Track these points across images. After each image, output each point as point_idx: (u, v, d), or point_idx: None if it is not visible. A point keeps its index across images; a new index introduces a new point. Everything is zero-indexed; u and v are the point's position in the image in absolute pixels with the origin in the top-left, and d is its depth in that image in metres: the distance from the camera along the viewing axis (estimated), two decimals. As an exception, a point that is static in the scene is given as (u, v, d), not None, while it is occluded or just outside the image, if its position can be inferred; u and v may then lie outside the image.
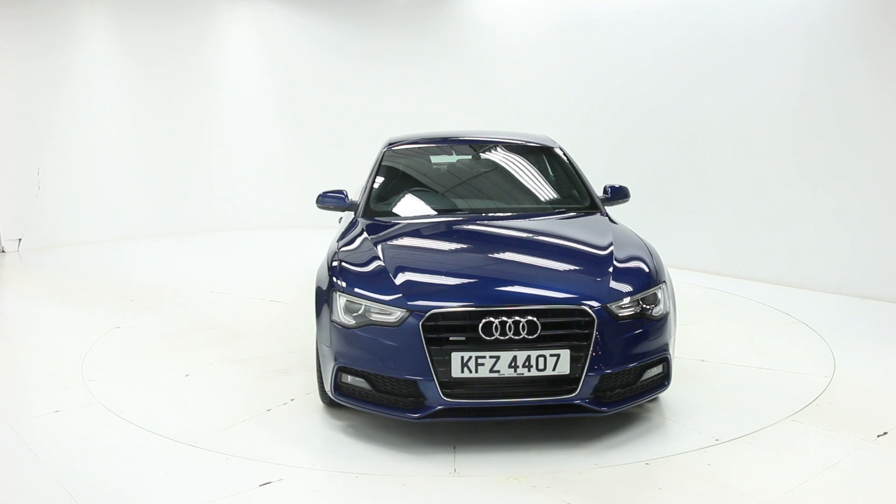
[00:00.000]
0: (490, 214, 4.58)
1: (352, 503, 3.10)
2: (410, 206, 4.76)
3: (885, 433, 3.70)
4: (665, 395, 4.19)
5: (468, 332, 3.34)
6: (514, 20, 9.38)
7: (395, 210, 4.71)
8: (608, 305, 3.46)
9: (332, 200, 4.86)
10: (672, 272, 7.36)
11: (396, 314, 3.42)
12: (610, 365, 3.43)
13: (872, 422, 3.83)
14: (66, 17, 9.16)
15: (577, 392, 3.40)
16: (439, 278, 3.68)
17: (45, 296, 6.76)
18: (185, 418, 3.94)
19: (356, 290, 3.61)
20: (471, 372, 3.32)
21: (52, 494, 3.15)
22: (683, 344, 5.16)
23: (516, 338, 3.32)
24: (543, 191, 5.02)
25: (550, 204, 4.84)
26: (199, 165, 10.45)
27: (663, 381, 3.74)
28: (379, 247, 3.97)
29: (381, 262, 3.77)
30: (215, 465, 3.42)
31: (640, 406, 4.03)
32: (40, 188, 9.08)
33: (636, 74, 8.03)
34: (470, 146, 5.42)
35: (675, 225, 7.81)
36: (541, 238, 4.22)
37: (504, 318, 3.33)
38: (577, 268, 3.85)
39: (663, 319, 3.66)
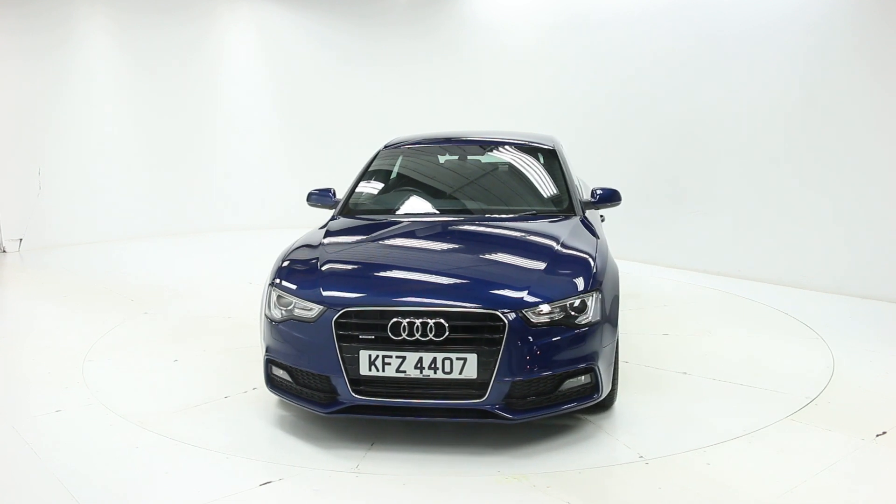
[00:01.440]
0: (455, 217, 4.56)
1: (352, 503, 3.10)
2: (384, 206, 4.89)
3: (884, 433, 3.70)
4: (663, 395, 4.20)
5: (377, 332, 3.39)
6: (513, 20, 9.38)
7: (369, 209, 4.83)
8: (523, 311, 3.38)
9: (318, 198, 5.02)
10: (672, 272, 7.42)
11: (315, 310, 3.51)
12: (522, 372, 3.35)
13: (871, 421, 3.83)
14: (66, 17, 9.16)
15: (485, 398, 3.36)
16: (362, 278, 3.78)
17: (45, 296, 6.77)
18: (186, 417, 3.94)
19: (284, 284, 3.76)
20: (378, 371, 3.37)
21: (52, 494, 3.16)
22: (684, 343, 5.17)
23: (423, 339, 3.34)
24: (523, 193, 4.93)
25: (528, 206, 4.72)
26: (200, 165, 10.46)
27: (591, 392, 3.56)
28: (324, 244, 4.11)
29: (317, 259, 3.89)
30: (215, 464, 3.42)
31: (638, 405, 4.04)
32: (41, 188, 9.09)
33: (636, 74, 8.03)
34: (462, 147, 5.40)
35: (676, 225, 7.82)
36: (487, 242, 4.20)
37: (412, 320, 3.35)
38: (505, 272, 3.76)
39: (590, 328, 3.50)
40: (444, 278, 3.69)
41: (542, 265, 3.70)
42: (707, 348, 5.05)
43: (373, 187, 5.05)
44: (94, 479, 3.30)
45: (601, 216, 5.41)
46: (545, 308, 3.42)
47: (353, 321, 3.43)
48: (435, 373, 3.34)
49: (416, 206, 4.87)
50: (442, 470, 3.36)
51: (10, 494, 3.18)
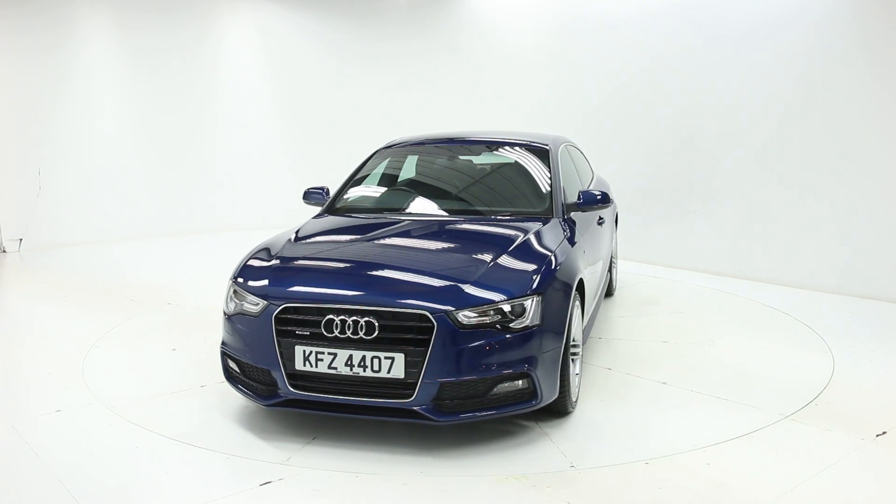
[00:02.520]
0: (428, 218, 4.54)
1: (352, 503, 3.10)
2: (365, 205, 4.95)
3: (884, 433, 3.71)
4: (664, 393, 4.20)
5: (312, 328, 3.46)
6: (514, 20, 9.39)
7: (350, 208, 4.91)
8: (453, 313, 3.35)
9: (313, 196, 5.13)
10: (672, 272, 7.42)
11: (259, 305, 3.62)
12: (450, 374, 3.33)
13: (871, 421, 3.84)
14: (66, 17, 9.16)
15: (412, 398, 3.36)
16: (307, 274, 3.81)
17: (45, 296, 6.77)
18: (186, 417, 3.94)
19: (239, 279, 3.87)
20: (312, 366, 3.43)
21: (52, 494, 3.16)
22: (684, 343, 5.17)
23: (354, 337, 3.38)
24: (505, 194, 4.88)
25: (507, 207, 4.63)
26: (200, 165, 10.46)
27: (530, 397, 3.49)
28: (289, 241, 4.23)
29: (275, 256, 4.01)
30: (216, 464, 3.42)
31: (636, 404, 4.04)
32: (41, 188, 9.09)
33: (636, 75, 8.03)
34: (454, 148, 5.38)
35: (676, 225, 7.82)
36: (444, 243, 4.18)
37: (345, 317, 3.40)
38: (446, 273, 3.67)
39: (527, 333, 3.44)
40: (384, 278, 3.70)
41: (485, 268, 3.64)
42: (706, 348, 5.05)
43: (360, 187, 5.12)
44: (94, 479, 3.30)
45: (600, 218, 5.35)
46: (475, 310, 3.39)
47: (291, 317, 3.50)
48: (364, 371, 3.37)
49: (393, 206, 4.89)
50: (442, 470, 3.36)
51: (10, 494, 3.18)
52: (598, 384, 4.38)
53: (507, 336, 3.40)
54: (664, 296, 6.50)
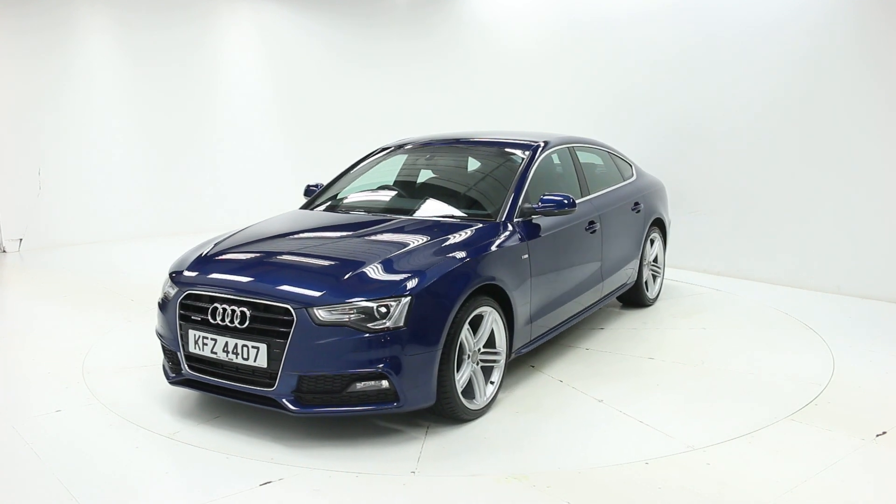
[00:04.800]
0: (367, 218, 4.61)
1: (352, 503, 3.10)
2: (333, 203, 5.07)
3: (885, 433, 3.71)
4: (662, 395, 4.20)
5: (203, 314, 3.73)
6: (513, 20, 9.38)
7: (323, 204, 5.09)
8: (311, 308, 3.46)
9: (310, 193, 5.36)
10: (672, 272, 7.41)
11: (174, 290, 3.93)
12: (306, 367, 3.45)
13: (872, 421, 3.84)
14: (66, 17, 9.16)
15: (274, 387, 3.51)
16: (216, 265, 4.02)
17: (45, 296, 6.77)
18: (186, 417, 3.94)
19: (171, 267, 4.18)
20: (200, 350, 3.71)
21: (52, 494, 3.16)
22: (684, 343, 5.17)
23: (230, 325, 3.60)
24: (460, 197, 4.83)
25: (458, 210, 4.56)
26: (200, 165, 10.45)
27: (392, 399, 3.51)
28: (234, 233, 4.53)
29: (214, 245, 4.30)
30: (215, 464, 3.42)
31: (633, 407, 4.04)
32: (41, 188, 9.09)
33: (636, 75, 8.03)
34: (447, 148, 5.37)
35: (676, 225, 7.81)
36: (350, 241, 4.25)
37: (226, 306, 3.64)
38: (323, 270, 3.77)
39: (388, 334, 3.45)
40: (272, 271, 3.88)
41: (362, 268, 3.67)
42: (706, 348, 5.05)
43: (337, 186, 5.28)
44: (94, 479, 3.30)
45: (590, 223, 4.97)
46: (334, 308, 3.47)
47: (191, 303, 3.80)
48: (237, 358, 3.58)
49: (351, 205, 5.01)
50: (442, 470, 3.36)
51: (10, 494, 3.18)
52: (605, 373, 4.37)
53: (365, 336, 3.45)
54: (664, 296, 6.49)
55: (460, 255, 3.89)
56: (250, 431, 3.76)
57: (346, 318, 3.46)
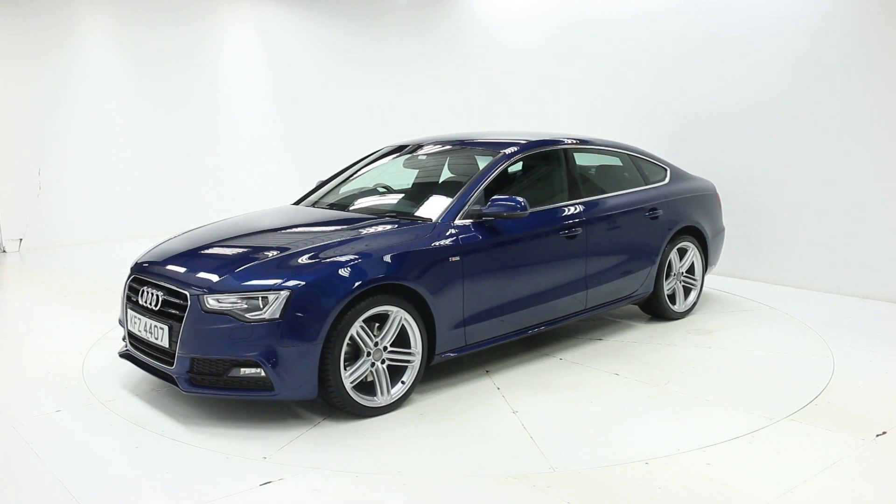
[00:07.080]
0: (320, 215, 4.80)
1: (352, 503, 3.10)
2: (316, 198, 5.26)
3: (884, 432, 3.71)
4: (672, 394, 4.20)
5: (137, 295, 4.13)
6: (514, 21, 9.38)
7: (314, 199, 5.25)
8: (202, 296, 3.72)
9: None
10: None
11: (131, 276, 4.29)
12: (195, 350, 3.71)
13: (872, 421, 3.84)
14: (66, 17, 9.17)
15: (173, 367, 3.79)
16: (162, 251, 4.36)
17: (45, 296, 6.77)
18: (186, 417, 3.94)
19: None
20: (133, 328, 4.10)
21: (52, 494, 3.16)
22: (684, 343, 5.17)
23: (148, 307, 3.97)
24: (417, 198, 4.85)
25: (409, 209, 4.61)
26: (200, 165, 10.45)
27: (269, 386, 3.66)
28: (206, 226, 4.82)
29: (175, 237, 4.63)
30: (215, 464, 3.42)
31: (639, 404, 4.04)
32: (41, 188, 9.09)
33: (636, 75, 8.03)
34: (438, 149, 5.35)
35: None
36: (280, 236, 4.44)
37: (148, 289, 4.03)
38: (230, 261, 3.99)
39: (263, 325, 3.60)
40: (196, 260, 4.10)
41: (259, 261, 3.89)
42: (706, 348, 5.05)
43: (334, 182, 5.43)
44: (94, 478, 3.30)
45: (569, 228, 4.76)
46: (220, 297, 3.69)
47: (134, 285, 4.18)
48: (150, 337, 3.93)
49: (327, 202, 5.13)
50: (442, 470, 3.36)
51: (9, 494, 3.18)
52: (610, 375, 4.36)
53: (242, 324, 3.64)
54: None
55: (362, 252, 3.92)
56: (250, 432, 3.76)
57: (228, 306, 3.68)
